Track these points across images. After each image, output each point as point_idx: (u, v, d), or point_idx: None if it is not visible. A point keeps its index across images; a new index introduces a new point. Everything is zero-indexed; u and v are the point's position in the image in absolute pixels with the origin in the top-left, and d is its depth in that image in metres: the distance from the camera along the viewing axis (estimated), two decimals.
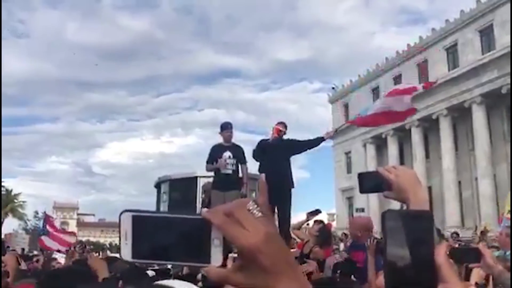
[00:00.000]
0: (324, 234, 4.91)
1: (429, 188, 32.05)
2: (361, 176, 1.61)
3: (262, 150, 6.99)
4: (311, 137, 7.38)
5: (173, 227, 0.68)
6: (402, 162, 34.29)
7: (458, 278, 0.72)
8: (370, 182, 1.59)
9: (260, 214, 0.65)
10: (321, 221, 6.06)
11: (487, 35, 28.41)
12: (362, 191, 1.61)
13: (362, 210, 28.81)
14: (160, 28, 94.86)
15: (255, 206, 0.65)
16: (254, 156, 7.10)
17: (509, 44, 24.90)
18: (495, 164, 27.68)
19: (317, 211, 6.79)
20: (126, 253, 0.69)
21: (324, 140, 7.32)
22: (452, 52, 30.79)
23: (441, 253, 0.71)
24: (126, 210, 0.70)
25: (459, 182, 30.33)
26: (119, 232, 0.70)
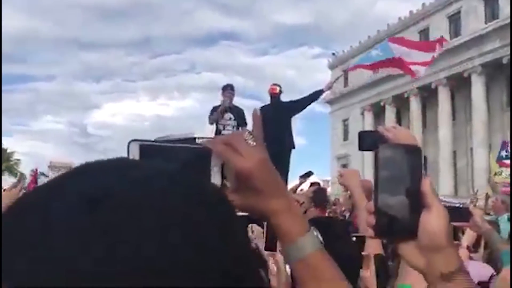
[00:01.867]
0: (319, 195, 4.98)
1: (425, 158, 32.29)
2: (361, 134, 1.67)
3: (262, 116, 7.02)
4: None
5: (177, 155, 0.73)
6: None
7: (440, 204, 0.78)
8: (369, 140, 1.64)
9: (254, 143, 0.73)
10: (317, 183, 6.14)
11: (491, 3, 28.03)
12: (360, 148, 1.67)
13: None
14: None
15: (250, 136, 0.71)
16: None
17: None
18: (492, 134, 27.83)
19: (309, 173, 6.88)
20: None
21: (323, 92, 7.43)
22: (454, 20, 30.44)
23: (426, 183, 0.78)
24: (134, 140, 0.74)
25: (454, 152, 30.55)
26: None
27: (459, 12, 30.04)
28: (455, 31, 30.19)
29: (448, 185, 29.52)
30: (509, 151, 8.07)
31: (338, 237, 1.58)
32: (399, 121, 34.68)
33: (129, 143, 0.74)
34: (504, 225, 5.39)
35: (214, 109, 7.40)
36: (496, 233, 2.43)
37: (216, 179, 0.73)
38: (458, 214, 2.69)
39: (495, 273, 1.82)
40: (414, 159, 0.79)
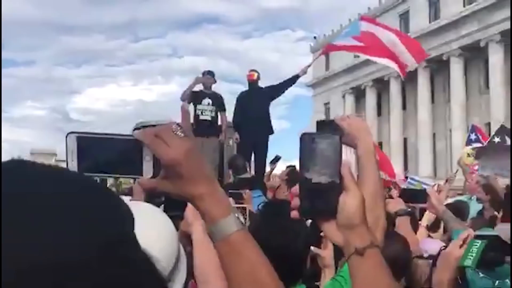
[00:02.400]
0: (293, 175, 5.06)
1: (405, 139, 32.72)
2: (319, 123, 1.73)
3: (241, 102, 7.14)
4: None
5: (113, 146, 0.80)
6: (379, 113, 34.75)
7: (356, 187, 0.86)
8: (326, 129, 1.70)
9: (182, 134, 0.79)
10: (293, 166, 6.20)
11: None
12: None
13: None
14: None
15: (179, 128, 0.77)
16: (235, 125, 7.28)
17: None
18: (469, 116, 28.28)
19: (277, 158, 6.97)
20: (73, 168, 0.80)
21: (299, 77, 7.54)
22: (434, 3, 30.64)
23: (345, 168, 0.86)
24: (71, 132, 0.80)
25: (434, 134, 31.00)
26: (66, 151, 0.80)
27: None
28: (435, 14, 30.39)
29: (428, 166, 29.99)
30: (478, 134, 8.26)
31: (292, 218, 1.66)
32: (379, 103, 35.00)
33: (66, 135, 0.80)
34: (474, 206, 5.56)
35: (193, 93, 7.41)
36: (451, 214, 2.54)
37: (148, 168, 0.80)
38: (417, 196, 2.81)
39: (443, 248, 1.94)
40: (334, 146, 0.87)
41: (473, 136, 8.38)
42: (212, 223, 0.82)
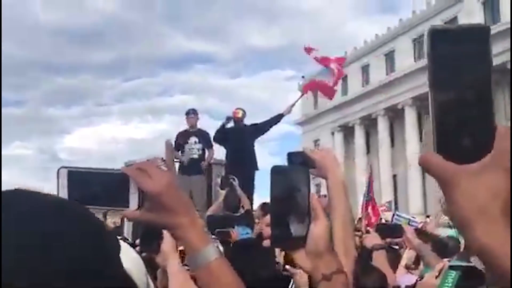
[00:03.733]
0: (266, 208, 5.12)
1: (394, 176, 32.88)
2: (289, 154, 1.80)
3: (226, 135, 7.24)
4: (280, 123, 7.76)
5: (101, 179, 0.89)
6: (368, 150, 35.03)
7: (324, 217, 0.95)
8: (298, 160, 1.77)
9: (165, 168, 0.87)
10: (264, 203, 6.16)
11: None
12: None
13: (325, 196, 29.40)
14: (129, 10, 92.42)
15: (162, 163, 0.87)
16: (215, 139, 7.36)
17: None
18: None
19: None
20: None
21: (283, 116, 7.71)
22: (419, 42, 31.44)
23: (314, 199, 0.94)
24: (63, 167, 0.90)
25: (423, 170, 31.16)
26: (57, 184, 0.90)
27: (422, 36, 31.08)
28: (419, 53, 31.20)
29: (418, 202, 30.01)
30: None
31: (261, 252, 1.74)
32: (367, 140, 35.34)
33: (58, 170, 0.89)
34: (463, 240, 5.63)
35: (179, 134, 7.53)
36: (427, 248, 2.62)
37: (133, 200, 0.88)
38: (393, 231, 2.90)
39: (419, 279, 2.03)
40: (302, 178, 0.96)
41: None
42: (195, 251, 0.89)
